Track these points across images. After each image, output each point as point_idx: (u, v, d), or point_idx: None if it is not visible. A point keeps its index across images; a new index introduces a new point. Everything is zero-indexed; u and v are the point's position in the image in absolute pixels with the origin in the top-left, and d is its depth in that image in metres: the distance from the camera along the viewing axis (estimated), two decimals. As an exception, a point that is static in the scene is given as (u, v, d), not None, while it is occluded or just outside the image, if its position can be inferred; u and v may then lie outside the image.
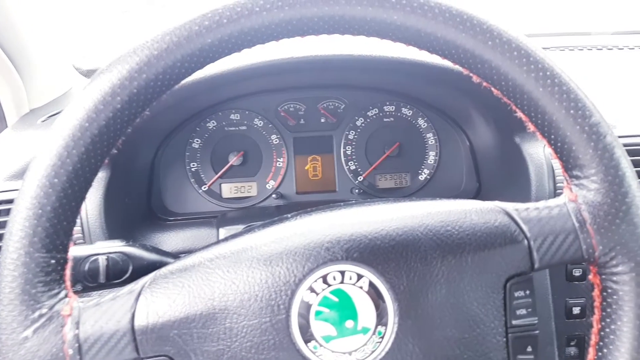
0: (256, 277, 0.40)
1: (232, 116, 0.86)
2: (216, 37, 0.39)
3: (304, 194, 0.87)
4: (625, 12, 1.40)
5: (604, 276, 0.43)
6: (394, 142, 0.87)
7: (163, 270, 0.42)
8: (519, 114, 0.45)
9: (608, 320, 0.43)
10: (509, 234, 0.42)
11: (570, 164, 0.43)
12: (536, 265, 0.42)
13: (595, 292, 0.44)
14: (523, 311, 0.43)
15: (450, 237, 0.42)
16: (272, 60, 0.76)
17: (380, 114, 0.87)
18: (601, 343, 0.43)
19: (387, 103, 0.87)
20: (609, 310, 0.43)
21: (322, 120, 0.87)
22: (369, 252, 0.40)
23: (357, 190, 0.85)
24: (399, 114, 0.88)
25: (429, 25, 0.41)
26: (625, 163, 0.42)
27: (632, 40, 1.18)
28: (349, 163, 0.87)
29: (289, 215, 0.45)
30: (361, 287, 0.40)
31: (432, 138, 0.87)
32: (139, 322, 0.38)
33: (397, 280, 0.40)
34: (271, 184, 0.86)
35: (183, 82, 0.40)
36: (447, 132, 0.87)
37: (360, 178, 0.87)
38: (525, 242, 0.42)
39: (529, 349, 0.43)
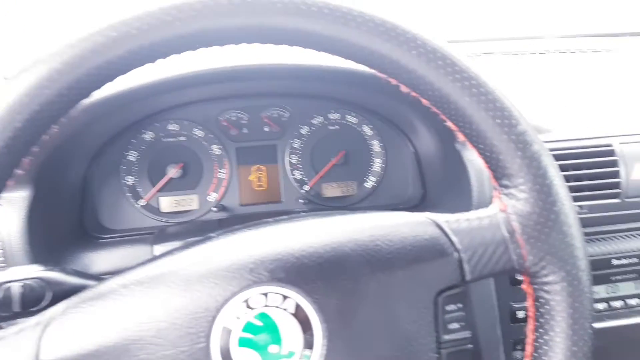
0: (174, 303, 0.38)
1: (170, 127, 0.83)
2: (125, 49, 0.37)
3: (248, 206, 0.85)
4: (573, 16, 1.45)
5: (535, 286, 0.43)
6: (339, 150, 0.86)
7: (74, 299, 0.39)
8: (449, 123, 0.45)
9: (541, 330, 0.43)
10: (439, 246, 0.42)
11: (499, 173, 0.43)
12: (467, 278, 0.42)
13: (529, 302, 0.44)
14: (455, 325, 0.42)
15: (380, 252, 0.41)
16: (212, 68, 0.74)
17: (325, 122, 0.87)
18: (535, 354, 0.43)
19: (332, 111, 0.87)
20: (541, 320, 0.43)
21: (266, 129, 0.86)
22: (296, 272, 0.39)
23: (302, 201, 0.84)
24: (344, 122, 0.87)
25: (351, 34, 0.40)
26: (553, 171, 0.42)
27: (580, 43, 1.22)
28: (295, 172, 0.86)
29: (214, 234, 0.43)
30: (286, 310, 0.38)
31: (378, 145, 0.87)
32: (45, 358, 0.35)
33: (325, 300, 0.39)
34: (213, 197, 0.84)
35: (114, 90, 0.38)
36: (393, 139, 0.87)
37: (307, 187, 0.86)
38: (456, 254, 0.42)
39: (463, 363, 0.43)
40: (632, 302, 0.77)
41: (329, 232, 0.41)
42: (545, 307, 0.42)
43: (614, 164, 0.72)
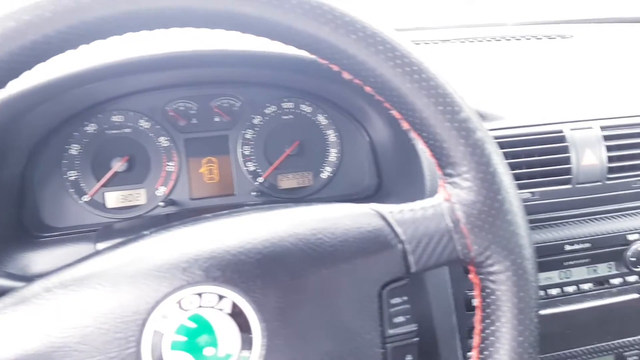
0: (101, 307, 0.36)
1: (114, 118, 0.80)
2: (41, 33, 0.34)
3: (199, 200, 0.82)
4: (530, 2, 1.47)
5: (481, 276, 0.43)
6: (294, 140, 0.84)
7: (-5, 304, 0.37)
8: (392, 111, 0.44)
9: (488, 321, 0.42)
10: (382, 238, 0.41)
11: (443, 162, 0.43)
12: (412, 269, 0.41)
13: (476, 292, 0.44)
14: (401, 318, 0.41)
15: (322, 245, 0.40)
16: (157, 54, 0.71)
17: (279, 112, 0.85)
18: (483, 345, 0.43)
19: (285, 100, 0.85)
20: (488, 310, 0.43)
21: (217, 120, 0.83)
22: (232, 269, 0.37)
23: (254, 193, 0.82)
24: (298, 111, 0.85)
25: (286, 17, 0.38)
26: (497, 159, 0.42)
27: (536, 30, 1.23)
28: (248, 164, 0.84)
29: (147, 232, 0.41)
30: (222, 310, 0.37)
31: (333, 135, 0.86)
32: None
33: (264, 298, 0.37)
34: (162, 190, 0.81)
35: (46, 78, 0.35)
36: (348, 128, 0.86)
37: (260, 179, 0.84)
38: (400, 245, 0.41)
39: (409, 357, 0.42)
40: (585, 286, 0.79)
41: (269, 227, 0.40)
42: (491, 297, 0.42)
43: (565, 150, 0.73)
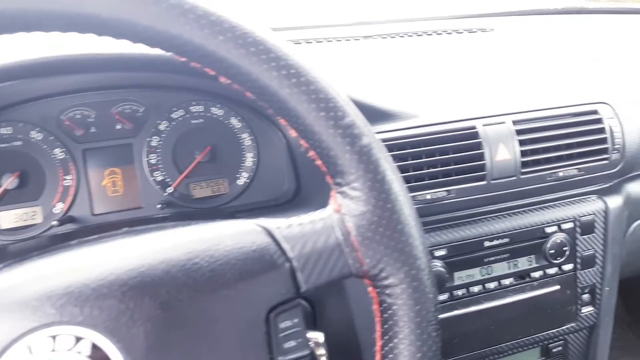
0: None
1: (2, 130, 0.73)
2: None
3: (102, 215, 0.77)
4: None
5: (378, 290, 0.41)
6: (205, 145, 0.80)
7: None
8: (278, 118, 0.41)
9: (386, 337, 0.41)
10: (268, 257, 0.38)
11: (332, 170, 0.40)
12: (302, 289, 0.39)
13: (374, 307, 0.42)
14: (292, 343, 0.39)
15: (199, 271, 0.36)
16: (48, 58, 0.66)
17: (187, 116, 0.80)
18: (383, 362, 0.41)
19: (194, 103, 0.80)
20: (386, 326, 0.41)
21: (118, 127, 0.78)
22: (91, 305, 0.34)
23: (159, 205, 0.77)
24: (208, 115, 0.81)
25: (146, 17, 0.35)
26: (385, 165, 0.40)
27: (457, 24, 1.24)
28: (155, 173, 0.79)
29: (0, 265, 0.37)
30: (80, 353, 0.33)
31: (248, 138, 0.82)
32: None
33: (131, 336, 0.34)
34: (60, 207, 0.75)
35: None
36: (264, 130, 0.83)
37: (170, 189, 0.79)
38: (287, 264, 0.38)
39: (302, 383, 0.40)
40: (506, 282, 0.80)
41: (137, 254, 0.36)
42: (388, 312, 0.40)
43: (478, 146, 0.73)
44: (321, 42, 0.99)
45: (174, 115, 0.80)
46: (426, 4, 1.43)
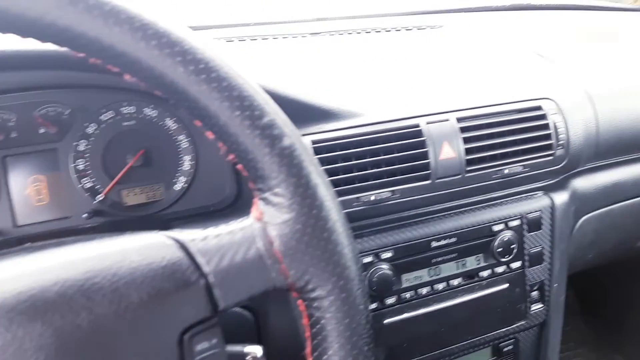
0: None
1: None
2: None
3: (27, 226, 0.72)
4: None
5: (306, 303, 0.38)
6: (138, 149, 0.76)
7: None
8: (195, 120, 0.38)
9: (316, 354, 0.38)
10: (180, 273, 0.35)
11: (252, 175, 0.37)
12: (221, 306, 0.36)
13: (304, 321, 0.39)
14: (210, 366, 0.36)
15: (100, 291, 0.33)
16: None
17: (118, 118, 0.76)
18: (314, 380, 0.38)
19: (125, 104, 0.76)
20: (315, 341, 0.38)
21: (42, 131, 0.72)
22: (-31, 337, 0.29)
23: (85, 215, 0.73)
24: (141, 116, 0.77)
25: (33, 9, 0.31)
26: (310, 168, 0.37)
27: (406, 21, 1.23)
28: (83, 180, 0.74)
29: None
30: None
31: (185, 140, 0.78)
32: None
33: None
34: (-23, 219, 0.69)
35: None
36: (202, 132, 0.79)
37: (100, 197, 0.74)
38: (203, 280, 0.35)
39: (222, 409, 0.37)
40: (455, 282, 0.79)
41: (28, 274, 0.32)
42: (317, 326, 0.38)
43: (422, 144, 0.72)
44: (267, 39, 0.96)
45: (103, 117, 0.75)
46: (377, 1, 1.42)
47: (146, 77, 0.35)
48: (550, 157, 0.80)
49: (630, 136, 0.91)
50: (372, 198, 0.70)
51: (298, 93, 0.67)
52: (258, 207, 0.38)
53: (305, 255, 0.36)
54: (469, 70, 0.88)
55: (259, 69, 0.73)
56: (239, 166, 0.38)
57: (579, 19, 1.37)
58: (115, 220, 0.75)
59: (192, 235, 0.37)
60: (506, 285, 0.83)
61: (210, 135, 0.38)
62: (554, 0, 1.53)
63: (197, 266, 0.35)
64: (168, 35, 0.34)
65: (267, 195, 0.37)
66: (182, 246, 0.36)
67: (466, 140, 0.74)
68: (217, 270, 0.36)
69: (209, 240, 0.36)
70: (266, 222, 0.37)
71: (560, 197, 0.86)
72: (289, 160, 0.36)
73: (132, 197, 0.77)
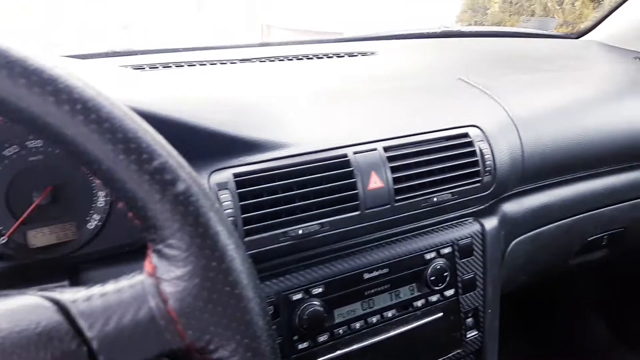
0: None
1: None
2: None
3: None
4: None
5: None
6: (46, 185, 0.70)
7: None
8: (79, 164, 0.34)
9: None
10: (58, 340, 0.31)
11: (144, 224, 0.34)
12: None
13: None
14: None
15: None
16: None
17: (23, 152, 0.69)
18: None
19: (31, 137, 0.70)
20: None
21: None
22: None
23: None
24: (49, 150, 0.71)
25: None
26: (208, 216, 0.34)
27: (338, 48, 1.23)
28: (-17, 221, 0.67)
29: None
30: None
31: (100, 175, 0.73)
32: None
33: None
34: None
35: None
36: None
37: (3, 239, 0.68)
38: (84, 347, 0.31)
39: None
40: (389, 314, 0.77)
41: None
42: None
43: (350, 175, 0.70)
44: (193, 65, 0.93)
45: (5, 153, 0.69)
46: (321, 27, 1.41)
47: (16, 120, 0.31)
48: (478, 184, 0.81)
49: (555, 159, 0.94)
50: (301, 232, 0.67)
51: (218, 124, 0.64)
52: (151, 260, 0.34)
53: (205, 313, 0.33)
54: (397, 99, 0.88)
55: (178, 98, 0.69)
56: (130, 214, 0.34)
57: (505, 46, 1.42)
58: (20, 265, 0.68)
59: (74, 295, 0.33)
60: (440, 314, 0.82)
61: (96, 180, 0.34)
62: (483, 27, 1.59)
63: (78, 331, 0.31)
64: (39, 74, 0.30)
65: (160, 247, 0.33)
66: (62, 308, 0.32)
67: (394, 170, 0.73)
68: (102, 335, 0.31)
69: (93, 301, 0.32)
70: (159, 277, 0.33)
71: (490, 222, 0.87)
72: (183, 208, 0.33)
73: (40, 238, 0.70)
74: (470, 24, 5.10)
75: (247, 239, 0.63)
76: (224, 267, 0.34)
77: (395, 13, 6.27)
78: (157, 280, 0.33)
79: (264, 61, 1.03)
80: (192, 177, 0.34)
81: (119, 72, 0.85)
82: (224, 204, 0.61)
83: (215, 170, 0.62)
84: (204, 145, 0.63)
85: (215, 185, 0.61)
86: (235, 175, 0.63)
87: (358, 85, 0.94)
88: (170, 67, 0.92)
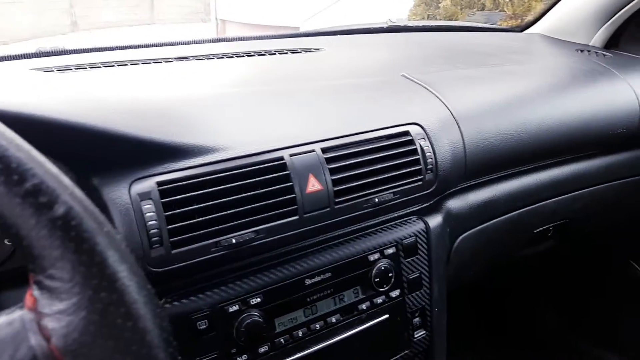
0: None
1: None
2: None
3: None
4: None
5: None
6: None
7: None
8: None
9: None
10: None
11: (25, 252, 0.30)
12: None
13: None
14: None
15: None
16: None
17: None
18: None
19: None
20: None
21: None
22: None
23: None
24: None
25: None
26: (96, 241, 0.30)
27: (282, 44, 1.19)
28: None
29: None
30: None
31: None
32: None
33: None
34: None
35: None
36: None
37: None
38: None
39: None
40: (333, 319, 0.75)
41: None
42: None
43: (286, 179, 0.67)
44: (112, 66, 0.87)
45: None
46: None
47: None
48: (420, 182, 0.80)
49: (498, 154, 0.93)
50: (234, 241, 0.64)
51: (139, 129, 0.60)
52: (32, 292, 0.30)
53: (94, 349, 0.30)
54: (338, 97, 0.86)
55: (93, 101, 0.65)
56: (7, 243, 0.30)
57: (450, 40, 1.42)
58: None
59: None
60: (387, 316, 0.80)
61: None
62: (429, 21, 1.58)
63: None
64: None
65: (40, 278, 0.30)
66: None
67: (333, 171, 0.71)
68: None
69: None
70: (40, 311, 0.30)
71: (435, 220, 0.86)
72: (62, 234, 0.29)
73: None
74: (423, 18, 5.14)
75: (174, 251, 0.59)
76: (114, 298, 0.30)
77: (351, 6, 6.27)
78: (38, 315, 0.30)
79: (202, 59, 0.98)
80: (75, 198, 0.30)
81: (26, 75, 0.80)
82: (147, 215, 0.57)
83: (136, 180, 0.58)
84: (123, 152, 0.59)
85: (136, 196, 0.57)
86: (159, 183, 0.59)
87: (298, 83, 0.91)
88: (99, 67, 0.86)
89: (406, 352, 0.84)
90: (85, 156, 0.58)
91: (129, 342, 0.30)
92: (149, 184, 0.58)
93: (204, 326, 0.63)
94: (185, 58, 0.97)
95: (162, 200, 0.58)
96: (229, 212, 0.64)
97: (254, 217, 0.65)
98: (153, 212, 0.58)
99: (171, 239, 0.59)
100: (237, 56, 1.03)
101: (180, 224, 0.59)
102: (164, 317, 0.34)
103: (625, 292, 1.53)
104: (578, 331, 1.69)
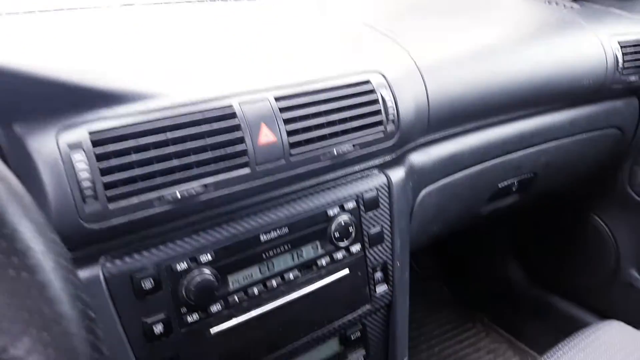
0: None
1: None
2: None
3: None
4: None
5: None
6: None
7: None
8: None
9: None
10: None
11: None
12: None
13: None
14: None
15: None
16: None
17: None
18: None
19: None
20: None
21: None
22: None
23: None
24: None
25: None
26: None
27: None
28: None
29: None
30: None
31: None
32: None
33: None
34: None
35: None
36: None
37: None
38: None
39: None
40: (291, 275, 0.71)
41: None
42: None
43: (236, 128, 0.62)
44: (33, 12, 0.79)
45: None
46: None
47: None
48: (381, 134, 0.75)
49: (460, 107, 0.90)
50: (179, 195, 0.59)
51: (69, 72, 0.53)
52: None
53: None
54: (293, 44, 0.80)
55: (19, 45, 0.58)
56: None
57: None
58: None
59: None
60: (347, 271, 0.77)
61: None
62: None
63: None
64: None
65: None
66: None
67: (287, 121, 0.66)
68: None
69: None
70: None
71: (397, 174, 0.82)
72: None
73: None
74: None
75: (111, 205, 0.54)
76: (3, 246, 0.25)
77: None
78: None
79: (148, 4, 0.90)
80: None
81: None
82: (78, 165, 0.52)
83: (65, 128, 0.52)
84: (49, 98, 0.52)
85: (65, 146, 0.51)
86: (92, 133, 0.53)
87: (251, 30, 0.84)
88: (33, 13, 0.78)
89: (367, 306, 0.82)
90: (6, 101, 0.52)
91: (24, 296, 0.26)
92: (80, 133, 0.53)
93: (150, 286, 0.59)
94: (129, 5, 0.89)
95: (95, 150, 0.53)
96: (172, 164, 0.58)
97: (200, 169, 0.60)
98: (85, 163, 0.52)
99: (107, 193, 0.54)
100: (176, 2, 0.95)
101: (117, 176, 0.54)
102: (73, 271, 0.29)
103: (587, 244, 1.54)
104: (541, 283, 1.72)
